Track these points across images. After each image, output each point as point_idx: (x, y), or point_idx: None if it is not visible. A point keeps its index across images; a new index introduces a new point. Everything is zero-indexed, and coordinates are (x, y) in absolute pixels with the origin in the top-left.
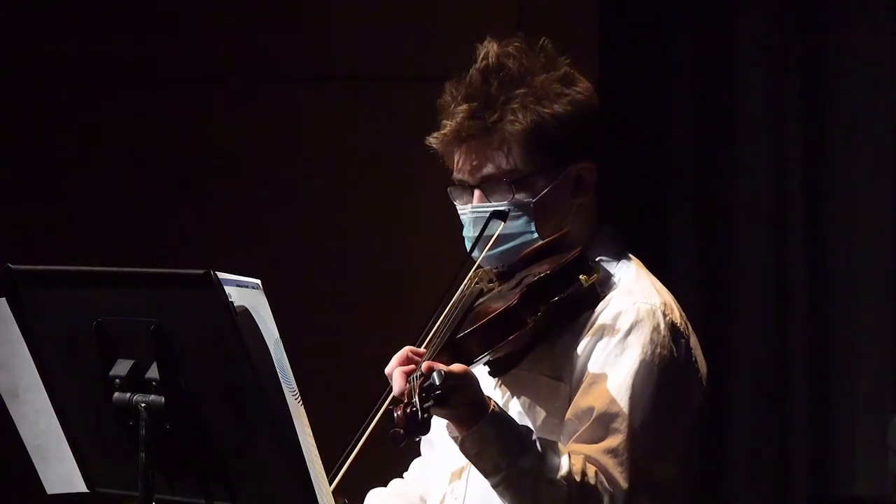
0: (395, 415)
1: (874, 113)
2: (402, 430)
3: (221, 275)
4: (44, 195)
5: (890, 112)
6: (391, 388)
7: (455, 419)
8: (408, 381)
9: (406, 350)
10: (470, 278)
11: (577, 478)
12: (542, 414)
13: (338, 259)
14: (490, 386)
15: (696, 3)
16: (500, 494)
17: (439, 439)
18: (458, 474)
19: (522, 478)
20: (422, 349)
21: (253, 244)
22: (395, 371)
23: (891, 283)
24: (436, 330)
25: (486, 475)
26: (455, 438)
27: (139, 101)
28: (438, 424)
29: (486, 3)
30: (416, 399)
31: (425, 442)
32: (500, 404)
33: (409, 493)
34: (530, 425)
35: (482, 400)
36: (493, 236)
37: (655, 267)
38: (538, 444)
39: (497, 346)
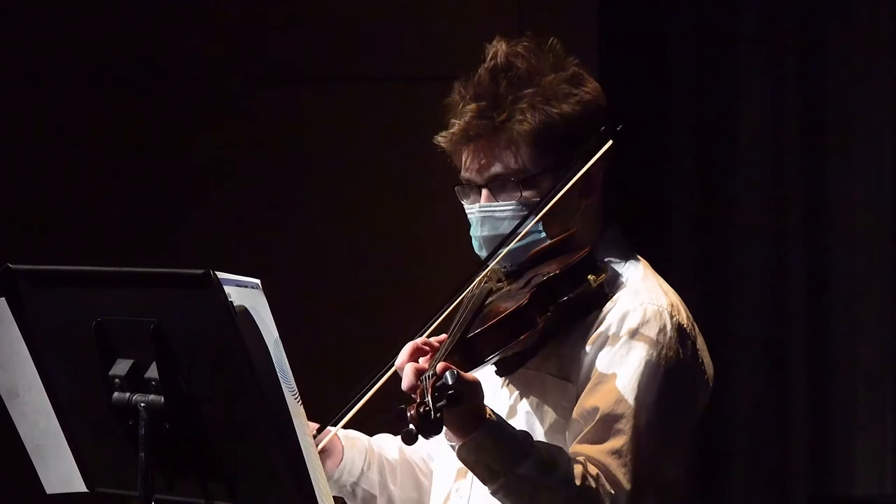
0: (408, 413)
1: (874, 113)
2: (415, 429)
3: (221, 275)
4: (43, 195)
5: (890, 112)
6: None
7: (456, 425)
8: (419, 380)
9: (417, 342)
10: (479, 278)
11: (578, 482)
12: (549, 413)
13: (338, 259)
14: (497, 385)
15: (696, 3)
16: (501, 501)
17: (444, 438)
18: (463, 472)
19: (521, 485)
20: (432, 340)
21: (252, 244)
22: (406, 367)
23: (891, 282)
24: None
25: (484, 482)
26: (452, 446)
27: (139, 100)
28: None
29: (486, 3)
30: (430, 398)
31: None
32: (508, 404)
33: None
34: (538, 425)
35: (482, 409)
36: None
37: (654, 266)
38: (536, 450)
39: (508, 345)
